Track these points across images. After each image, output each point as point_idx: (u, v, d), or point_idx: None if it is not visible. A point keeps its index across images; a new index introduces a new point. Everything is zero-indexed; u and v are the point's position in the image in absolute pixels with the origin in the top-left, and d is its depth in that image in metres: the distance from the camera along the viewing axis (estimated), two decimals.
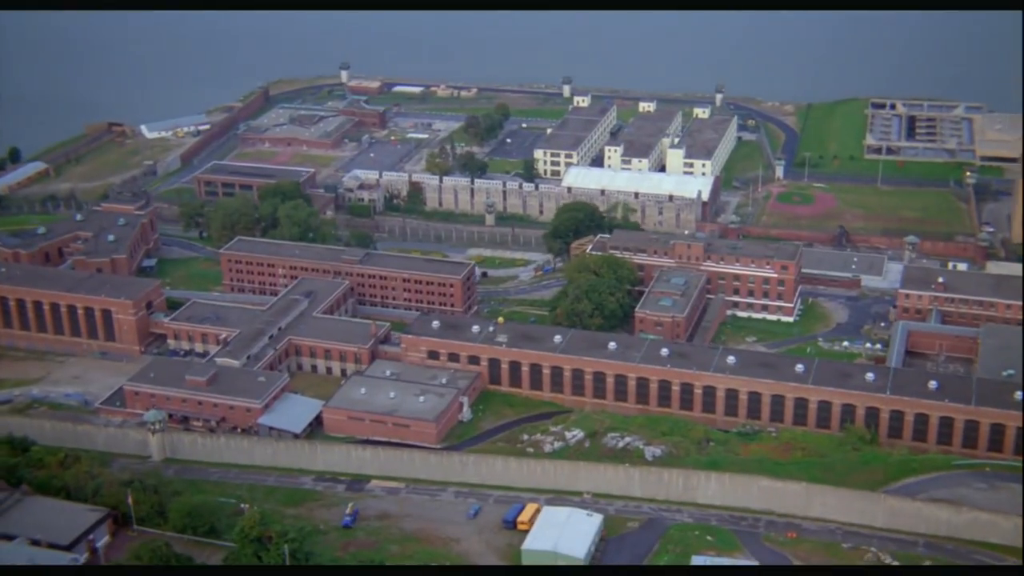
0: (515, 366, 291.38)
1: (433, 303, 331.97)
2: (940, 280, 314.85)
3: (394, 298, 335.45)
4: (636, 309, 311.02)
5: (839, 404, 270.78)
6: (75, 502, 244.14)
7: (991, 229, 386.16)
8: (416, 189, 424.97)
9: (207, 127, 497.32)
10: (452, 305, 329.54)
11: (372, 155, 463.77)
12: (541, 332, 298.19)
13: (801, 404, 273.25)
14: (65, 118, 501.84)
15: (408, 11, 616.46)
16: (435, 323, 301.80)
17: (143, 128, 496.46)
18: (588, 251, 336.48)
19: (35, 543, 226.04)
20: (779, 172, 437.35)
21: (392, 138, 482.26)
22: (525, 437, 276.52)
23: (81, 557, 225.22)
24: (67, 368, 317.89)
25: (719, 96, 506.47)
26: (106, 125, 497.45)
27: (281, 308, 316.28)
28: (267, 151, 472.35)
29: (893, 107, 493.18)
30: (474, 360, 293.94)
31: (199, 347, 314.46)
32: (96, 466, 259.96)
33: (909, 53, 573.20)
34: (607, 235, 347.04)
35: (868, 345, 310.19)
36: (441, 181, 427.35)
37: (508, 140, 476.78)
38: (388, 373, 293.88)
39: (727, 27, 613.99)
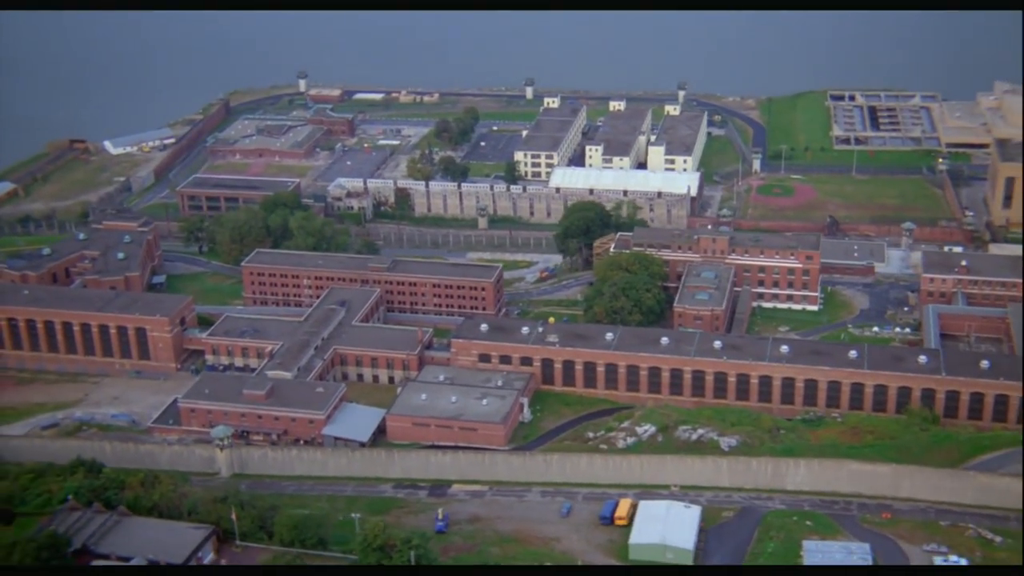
0: (569, 365, 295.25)
1: (464, 307, 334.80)
2: (963, 263, 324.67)
3: (424, 304, 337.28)
4: (675, 304, 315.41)
5: (895, 387, 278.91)
6: (169, 520, 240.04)
7: (971, 213, 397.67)
8: (404, 195, 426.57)
9: (172, 141, 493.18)
10: (484, 308, 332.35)
11: (349, 163, 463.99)
12: (591, 331, 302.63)
13: (857, 389, 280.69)
14: (21, 136, 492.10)
15: (369, 13, 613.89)
16: (483, 326, 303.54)
17: (107, 144, 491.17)
18: (612, 249, 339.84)
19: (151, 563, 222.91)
20: (756, 165, 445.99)
21: (365, 146, 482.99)
22: (590, 435, 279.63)
23: None
24: (104, 389, 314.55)
25: (682, 93, 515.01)
26: (67, 142, 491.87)
27: (320, 318, 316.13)
28: (239, 163, 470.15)
29: (852, 98, 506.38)
30: (526, 361, 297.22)
31: (239, 361, 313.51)
32: (180, 484, 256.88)
33: (859, 46, 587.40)
34: (628, 233, 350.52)
35: (898, 329, 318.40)
36: (427, 186, 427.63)
37: (482, 143, 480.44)
38: (442, 378, 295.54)
39: (683, 26, 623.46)
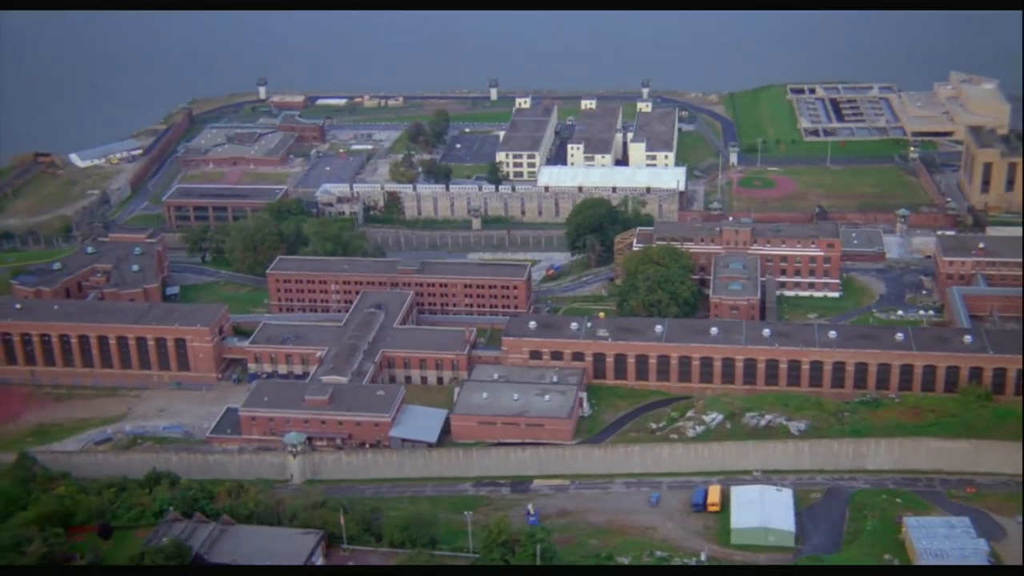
0: (620, 359, 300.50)
1: (496, 306, 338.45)
2: (981, 245, 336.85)
3: (455, 305, 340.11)
4: (711, 295, 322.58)
5: (943, 367, 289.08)
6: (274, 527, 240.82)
7: (949, 199, 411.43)
8: (393, 199, 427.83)
9: (139, 152, 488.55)
10: (516, 307, 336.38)
11: (328, 168, 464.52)
12: (640, 324, 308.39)
13: (907, 370, 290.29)
14: None
15: (326, 17, 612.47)
16: (532, 324, 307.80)
17: (73, 157, 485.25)
18: (635, 244, 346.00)
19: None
20: (733, 159, 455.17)
21: (340, 151, 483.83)
22: (652, 425, 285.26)
23: None
24: (146, 402, 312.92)
25: (645, 91, 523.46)
26: (32, 156, 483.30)
27: (361, 323, 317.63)
28: (214, 172, 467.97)
29: (813, 91, 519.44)
30: (578, 356, 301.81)
31: (282, 368, 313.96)
32: (265, 492, 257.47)
33: (813, 41, 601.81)
34: (648, 228, 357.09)
35: (921, 312, 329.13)
36: (415, 189, 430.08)
37: (458, 145, 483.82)
38: (496, 376, 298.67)
39: (642, 24, 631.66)
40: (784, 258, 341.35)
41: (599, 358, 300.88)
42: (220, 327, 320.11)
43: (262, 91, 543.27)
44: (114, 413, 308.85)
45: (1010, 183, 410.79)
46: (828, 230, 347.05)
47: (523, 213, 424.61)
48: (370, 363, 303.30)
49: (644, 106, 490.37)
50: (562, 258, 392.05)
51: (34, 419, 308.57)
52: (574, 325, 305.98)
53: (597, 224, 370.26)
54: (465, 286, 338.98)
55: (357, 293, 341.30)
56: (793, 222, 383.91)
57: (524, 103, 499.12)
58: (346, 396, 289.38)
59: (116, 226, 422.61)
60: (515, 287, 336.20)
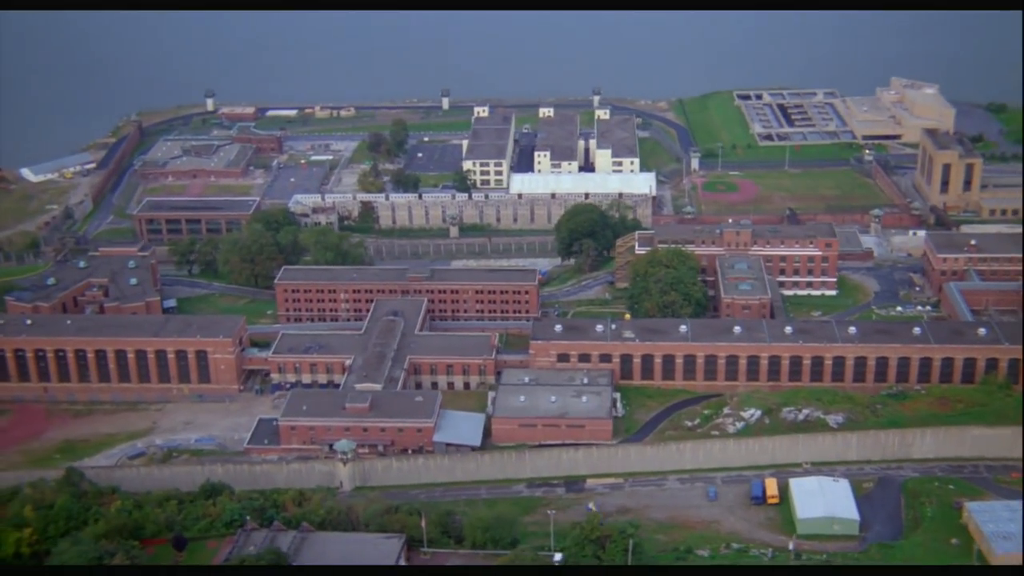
0: (647, 359, 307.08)
1: (507, 312, 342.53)
2: (972, 242, 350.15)
3: (465, 311, 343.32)
4: (723, 295, 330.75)
5: (961, 359, 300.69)
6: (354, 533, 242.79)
7: (913, 200, 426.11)
8: (367, 209, 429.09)
9: (93, 166, 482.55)
10: (527, 312, 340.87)
11: (292, 179, 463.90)
12: (664, 325, 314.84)
13: (925, 363, 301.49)
14: None
15: (271, 27, 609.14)
16: (557, 327, 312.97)
17: (25, 172, 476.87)
18: (637, 248, 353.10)
19: None
20: (695, 164, 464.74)
21: (302, 162, 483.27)
22: (687, 423, 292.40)
23: None
24: (170, 415, 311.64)
25: (596, 98, 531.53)
26: None
27: (383, 330, 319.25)
28: (175, 185, 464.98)
29: (760, 97, 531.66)
30: (605, 358, 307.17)
31: (306, 378, 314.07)
32: (328, 499, 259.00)
33: (754, 47, 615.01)
34: (648, 231, 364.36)
35: (919, 308, 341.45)
36: (388, 198, 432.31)
37: (419, 154, 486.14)
38: (527, 380, 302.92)
39: (589, 31, 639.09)
40: (783, 258, 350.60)
41: (626, 359, 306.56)
42: (240, 338, 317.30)
43: (209, 103, 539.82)
44: (139, 428, 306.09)
45: (967, 183, 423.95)
46: (824, 230, 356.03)
47: (498, 220, 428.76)
48: (399, 370, 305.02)
49: (602, 113, 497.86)
50: (547, 264, 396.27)
51: (58, 436, 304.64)
52: (599, 327, 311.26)
53: (590, 229, 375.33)
54: (476, 292, 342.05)
55: (367, 302, 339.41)
56: (766, 223, 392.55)
57: (483, 112, 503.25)
58: (385, 403, 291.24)
59: (86, 241, 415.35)
60: (526, 292, 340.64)
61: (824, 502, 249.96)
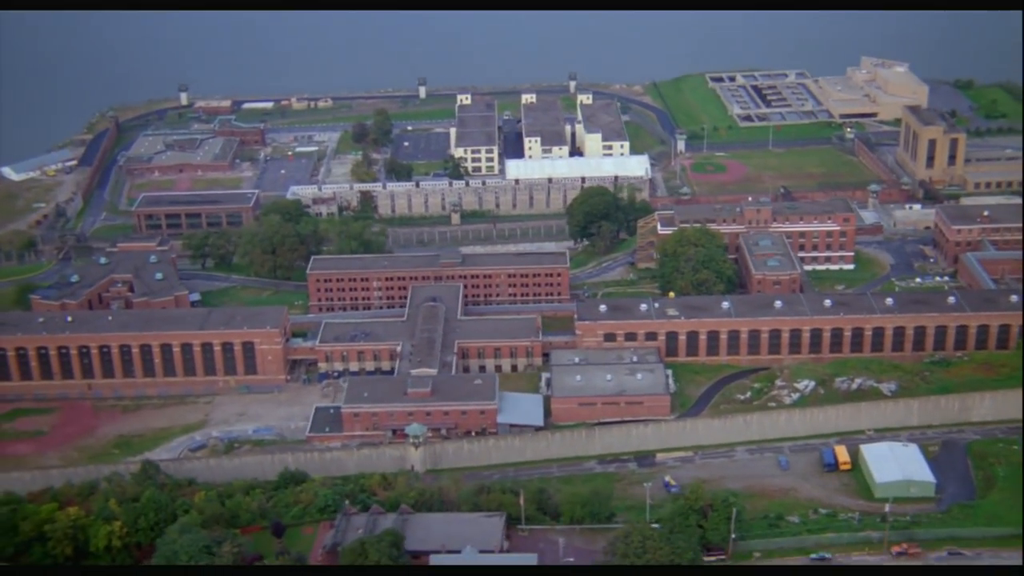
0: (692, 336, 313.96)
1: (539, 294, 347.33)
2: (985, 213, 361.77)
3: (498, 295, 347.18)
4: (754, 271, 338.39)
5: (996, 325, 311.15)
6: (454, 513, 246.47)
7: (904, 176, 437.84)
8: (367, 198, 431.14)
9: (74, 163, 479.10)
10: (559, 294, 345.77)
11: (283, 171, 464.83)
12: (705, 302, 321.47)
13: (962, 331, 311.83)
14: None
15: (243, 20, 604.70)
16: (602, 307, 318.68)
17: (6, 170, 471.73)
18: (659, 228, 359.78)
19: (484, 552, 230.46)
20: (681, 146, 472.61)
21: (288, 154, 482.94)
22: (739, 396, 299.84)
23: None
24: (222, 407, 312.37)
25: (573, 83, 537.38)
26: None
27: (427, 315, 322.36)
28: (162, 180, 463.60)
29: (733, 79, 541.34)
30: (651, 336, 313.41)
31: (353, 366, 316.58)
32: (413, 481, 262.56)
33: (721, 31, 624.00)
34: (668, 211, 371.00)
35: (937, 278, 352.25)
36: (385, 187, 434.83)
37: (405, 143, 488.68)
38: (576, 360, 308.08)
39: (560, 18, 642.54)
40: (803, 234, 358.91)
41: (672, 336, 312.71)
42: (284, 328, 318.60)
43: (183, 96, 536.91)
44: (193, 420, 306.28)
45: (952, 158, 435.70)
46: (841, 206, 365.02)
47: (498, 206, 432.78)
48: (450, 354, 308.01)
49: (585, 98, 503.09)
50: (554, 247, 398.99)
51: (111, 431, 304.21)
52: (643, 306, 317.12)
53: (605, 211, 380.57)
54: (509, 276, 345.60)
55: (400, 289, 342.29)
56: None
57: (465, 99, 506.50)
58: (445, 387, 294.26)
59: (85, 238, 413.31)
60: (558, 274, 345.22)
61: (899, 466, 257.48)
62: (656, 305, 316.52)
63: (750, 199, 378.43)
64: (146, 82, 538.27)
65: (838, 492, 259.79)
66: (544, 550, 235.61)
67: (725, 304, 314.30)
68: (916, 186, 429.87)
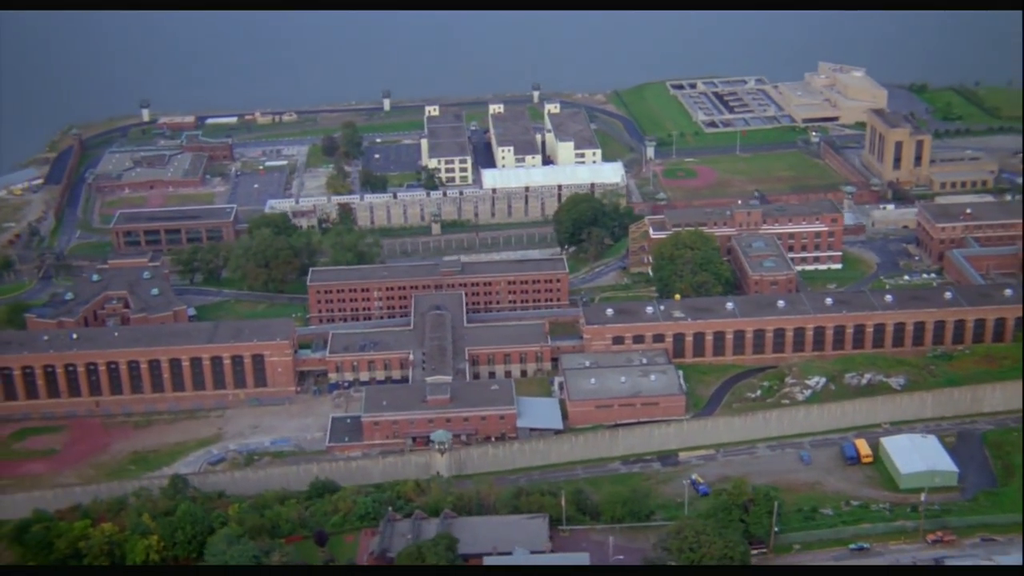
0: (699, 337, 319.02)
1: (539, 300, 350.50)
2: (968, 211, 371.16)
3: (498, 301, 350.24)
4: (751, 272, 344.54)
5: (992, 319, 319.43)
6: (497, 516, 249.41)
7: (875, 178, 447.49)
8: (346, 210, 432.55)
9: (40, 181, 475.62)
10: (558, 300, 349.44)
11: (256, 186, 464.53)
12: (710, 303, 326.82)
13: (960, 325, 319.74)
14: None
15: (206, 32, 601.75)
16: (608, 311, 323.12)
17: None
18: (651, 233, 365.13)
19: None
20: (651, 153, 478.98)
21: (260, 168, 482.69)
22: (749, 395, 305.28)
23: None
24: (235, 420, 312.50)
25: (536, 93, 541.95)
26: None
27: (434, 324, 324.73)
28: (133, 196, 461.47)
29: (693, 86, 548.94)
30: (659, 338, 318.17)
31: (364, 375, 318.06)
32: (448, 487, 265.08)
33: (677, 38, 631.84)
34: (658, 216, 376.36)
35: (924, 275, 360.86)
36: (363, 199, 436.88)
37: (376, 155, 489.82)
38: (587, 364, 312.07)
39: (521, 27, 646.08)
40: (792, 235, 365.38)
41: (679, 338, 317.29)
42: (293, 340, 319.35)
43: (145, 113, 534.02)
44: (207, 435, 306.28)
45: (918, 159, 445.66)
46: (828, 206, 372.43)
47: (476, 216, 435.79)
48: (462, 361, 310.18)
49: (553, 107, 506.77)
50: (538, 255, 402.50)
51: (124, 448, 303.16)
52: (649, 309, 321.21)
53: (593, 217, 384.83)
54: (509, 283, 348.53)
55: (400, 299, 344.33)
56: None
57: (434, 111, 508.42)
58: (462, 393, 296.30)
59: (63, 256, 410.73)
60: (558, 280, 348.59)
61: (921, 457, 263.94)
62: (662, 307, 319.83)
63: (739, 202, 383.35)
64: (106, 99, 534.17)
65: (863, 485, 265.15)
66: (588, 549, 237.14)
67: (729, 305, 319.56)
68: (885, 187, 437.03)
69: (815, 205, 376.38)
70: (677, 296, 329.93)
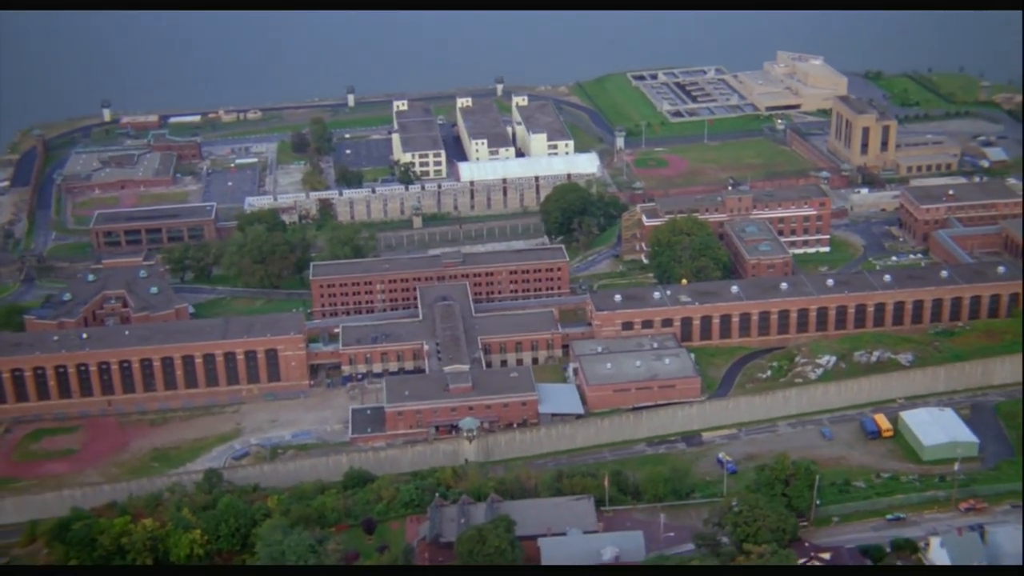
0: (706, 320, 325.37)
1: (540, 289, 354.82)
2: (951, 192, 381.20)
3: (499, 291, 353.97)
4: (748, 256, 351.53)
5: (987, 296, 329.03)
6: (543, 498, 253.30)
7: (845, 163, 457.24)
8: (325, 206, 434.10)
9: (7, 183, 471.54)
10: (559, 288, 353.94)
11: (229, 184, 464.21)
12: (715, 288, 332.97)
13: (956, 302, 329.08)
14: None
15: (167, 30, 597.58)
16: (617, 297, 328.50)
17: None
18: (644, 221, 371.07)
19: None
20: (620, 143, 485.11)
21: (231, 166, 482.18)
22: (760, 375, 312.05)
23: None
24: (252, 415, 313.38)
25: (500, 87, 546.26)
26: None
27: (444, 314, 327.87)
28: (105, 197, 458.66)
29: (655, 77, 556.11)
30: (667, 323, 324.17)
31: (377, 367, 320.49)
32: (484, 472, 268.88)
33: (634, 29, 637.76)
34: (650, 203, 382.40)
35: (911, 256, 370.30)
36: (342, 194, 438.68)
37: (348, 151, 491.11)
38: (599, 349, 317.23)
39: (480, 23, 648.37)
40: (782, 219, 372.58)
41: (686, 322, 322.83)
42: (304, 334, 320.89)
43: (106, 113, 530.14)
44: (225, 430, 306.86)
45: (884, 144, 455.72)
46: (815, 191, 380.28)
47: (456, 208, 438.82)
48: (476, 350, 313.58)
49: (520, 100, 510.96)
50: (523, 245, 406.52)
51: (144, 445, 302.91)
52: (657, 294, 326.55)
53: (582, 207, 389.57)
54: (511, 272, 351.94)
55: (403, 291, 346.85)
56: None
57: (402, 105, 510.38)
58: (482, 381, 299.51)
59: (43, 259, 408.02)
60: (559, 269, 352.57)
61: (942, 429, 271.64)
62: (668, 292, 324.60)
63: (730, 187, 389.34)
64: (65, 99, 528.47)
65: (885, 458, 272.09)
66: (631, 528, 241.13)
67: (735, 288, 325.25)
68: (855, 172, 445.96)
69: (803, 190, 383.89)
70: (684, 281, 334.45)
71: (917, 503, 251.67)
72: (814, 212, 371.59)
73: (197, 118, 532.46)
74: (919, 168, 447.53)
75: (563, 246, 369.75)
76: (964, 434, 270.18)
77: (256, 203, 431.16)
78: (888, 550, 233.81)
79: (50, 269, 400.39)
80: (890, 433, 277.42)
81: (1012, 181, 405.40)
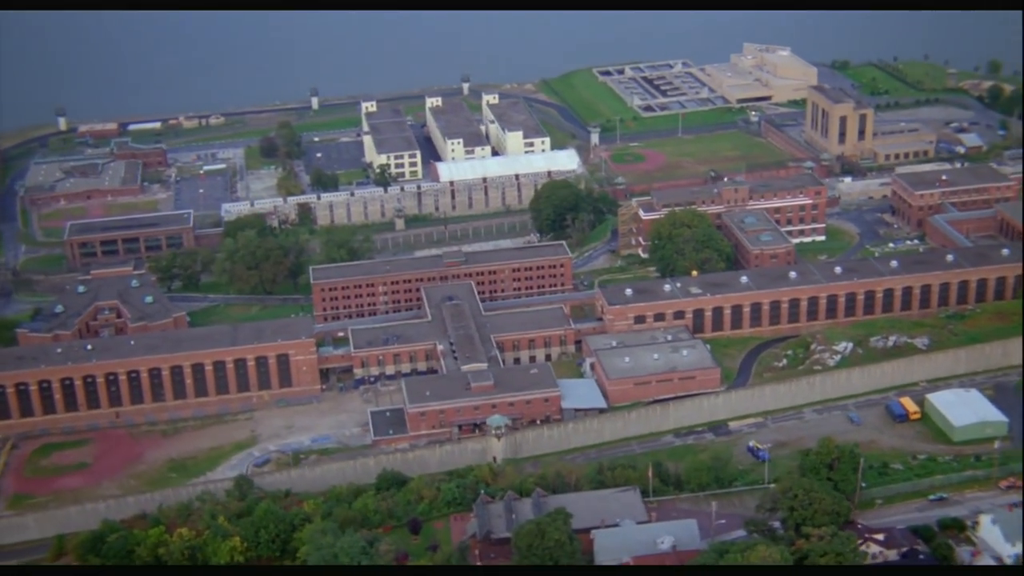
0: (718, 311, 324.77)
1: (543, 286, 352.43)
2: (944, 177, 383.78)
3: (503, 289, 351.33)
4: (751, 246, 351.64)
5: (994, 279, 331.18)
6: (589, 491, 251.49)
7: (825, 153, 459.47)
8: (305, 210, 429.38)
9: None
10: (562, 284, 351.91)
11: (201, 191, 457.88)
12: (722, 279, 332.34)
13: (963, 286, 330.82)
14: None
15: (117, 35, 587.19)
16: (628, 291, 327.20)
17: None
18: (641, 214, 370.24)
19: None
20: (595, 139, 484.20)
21: (200, 173, 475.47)
22: (776, 364, 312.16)
23: None
24: (266, 422, 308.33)
25: (466, 85, 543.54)
26: None
27: (453, 314, 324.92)
28: (71, 208, 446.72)
29: (621, 72, 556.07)
30: (679, 315, 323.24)
31: (389, 369, 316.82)
32: (520, 468, 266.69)
33: (596, 25, 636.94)
34: (645, 198, 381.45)
35: (908, 242, 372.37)
36: (320, 198, 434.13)
37: (318, 154, 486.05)
38: (614, 344, 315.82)
39: (435, 21, 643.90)
40: (778, 209, 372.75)
41: (698, 313, 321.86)
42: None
43: (62, 121, 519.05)
44: (241, 438, 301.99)
45: (861, 132, 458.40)
46: (810, 180, 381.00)
47: (438, 209, 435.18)
48: (492, 349, 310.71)
49: (491, 98, 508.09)
50: (510, 244, 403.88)
51: (159, 456, 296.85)
52: (667, 287, 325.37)
53: (574, 203, 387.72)
54: (513, 270, 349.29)
55: (405, 292, 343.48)
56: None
57: (371, 107, 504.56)
58: (503, 379, 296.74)
59: (17, 272, 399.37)
60: (562, 265, 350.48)
61: (970, 409, 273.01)
62: (679, 285, 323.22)
63: (726, 179, 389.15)
64: (17, 108, 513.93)
65: (916, 440, 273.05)
66: (678, 517, 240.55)
67: (744, 279, 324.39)
68: (835, 161, 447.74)
69: (798, 179, 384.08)
70: (695, 272, 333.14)
71: (957, 483, 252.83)
72: (810, 201, 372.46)
73: (158, 125, 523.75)
74: (897, 156, 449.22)
75: (563, 242, 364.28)
76: (992, 414, 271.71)
77: (233, 209, 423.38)
78: (936, 529, 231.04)
79: (28, 282, 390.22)
80: (917, 415, 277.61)
81: (994, 166, 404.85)
